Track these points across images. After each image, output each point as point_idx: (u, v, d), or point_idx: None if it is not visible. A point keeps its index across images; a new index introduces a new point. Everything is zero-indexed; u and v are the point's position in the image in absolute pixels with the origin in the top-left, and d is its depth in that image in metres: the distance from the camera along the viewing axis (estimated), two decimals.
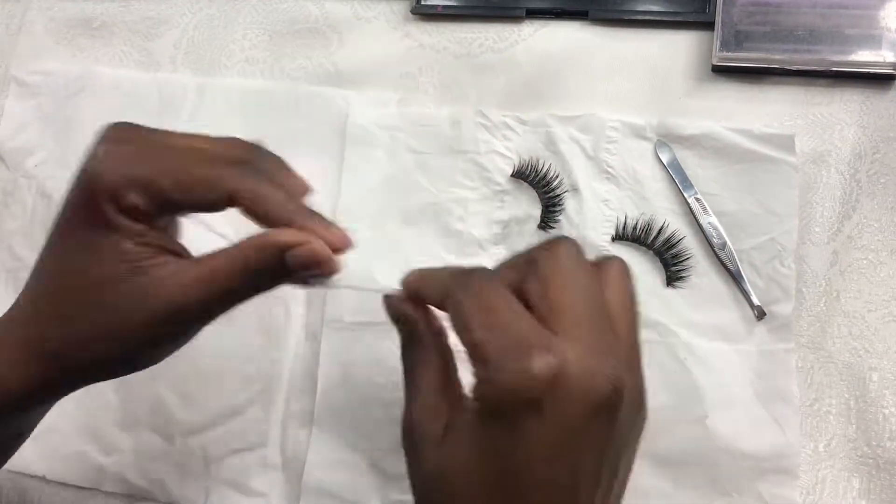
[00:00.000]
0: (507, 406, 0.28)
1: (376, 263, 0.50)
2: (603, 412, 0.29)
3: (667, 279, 0.47)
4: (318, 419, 0.48)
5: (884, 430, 0.44)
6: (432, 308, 0.35)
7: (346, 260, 0.35)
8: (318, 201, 0.52)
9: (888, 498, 0.43)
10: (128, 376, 0.50)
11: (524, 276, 0.31)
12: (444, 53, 0.55)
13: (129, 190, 0.33)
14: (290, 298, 0.51)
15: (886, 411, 0.45)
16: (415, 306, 0.35)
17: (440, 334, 0.35)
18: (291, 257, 0.34)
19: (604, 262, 0.32)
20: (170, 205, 0.33)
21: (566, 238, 0.32)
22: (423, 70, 0.54)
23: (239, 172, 0.34)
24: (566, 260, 0.31)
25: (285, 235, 0.34)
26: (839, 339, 0.46)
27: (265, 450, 0.49)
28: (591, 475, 0.30)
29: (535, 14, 0.54)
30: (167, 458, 0.49)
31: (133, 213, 0.33)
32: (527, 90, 0.53)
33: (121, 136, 0.34)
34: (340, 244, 0.35)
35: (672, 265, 0.47)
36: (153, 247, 0.34)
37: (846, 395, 0.45)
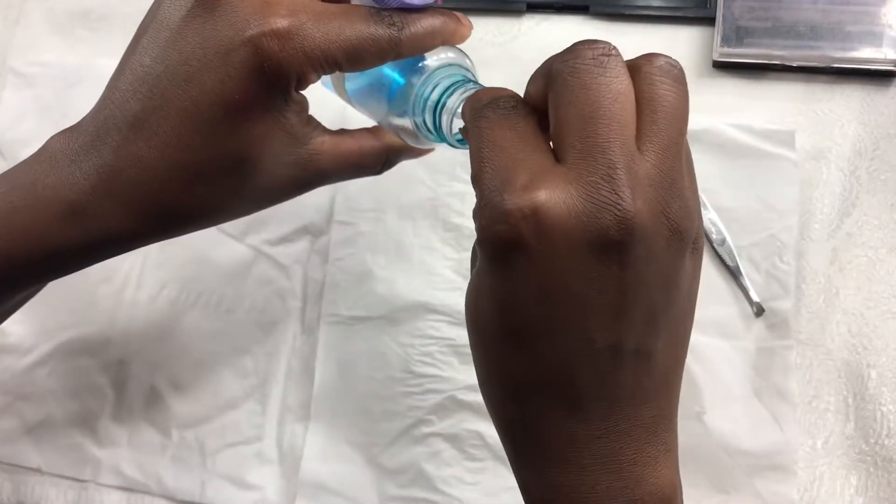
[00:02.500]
0: (495, 247, 0.27)
1: (374, 257, 0.50)
2: (607, 251, 0.26)
3: None
4: (315, 413, 0.48)
5: (882, 427, 0.44)
6: None
7: None
8: (316, 195, 0.52)
9: (885, 495, 0.43)
10: (124, 368, 0.50)
11: (543, 91, 0.28)
12: None
13: (313, 68, 0.32)
14: (287, 292, 0.51)
15: (885, 408, 0.44)
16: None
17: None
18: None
19: (642, 62, 0.29)
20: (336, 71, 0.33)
21: (589, 41, 0.28)
22: None
23: (404, 26, 0.33)
24: (582, 69, 0.27)
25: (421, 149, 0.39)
26: (838, 336, 0.46)
27: (261, 443, 0.49)
28: (599, 315, 0.27)
29: (535, 8, 0.54)
30: (163, 451, 0.49)
31: (305, 86, 0.33)
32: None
33: (273, 11, 0.32)
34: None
35: None
36: (306, 115, 0.35)
37: (844, 393, 0.45)
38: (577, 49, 0.28)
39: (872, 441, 0.44)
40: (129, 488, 0.49)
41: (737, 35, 0.50)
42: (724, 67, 0.51)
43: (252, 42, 0.31)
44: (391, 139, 0.38)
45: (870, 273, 0.47)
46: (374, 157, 0.38)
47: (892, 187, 0.48)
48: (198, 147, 0.33)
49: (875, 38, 0.49)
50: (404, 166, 0.51)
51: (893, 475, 0.44)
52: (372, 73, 0.35)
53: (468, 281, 0.30)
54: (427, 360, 0.48)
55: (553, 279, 0.26)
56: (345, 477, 0.47)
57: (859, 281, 0.47)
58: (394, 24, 0.33)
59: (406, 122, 0.35)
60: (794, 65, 0.49)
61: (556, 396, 0.28)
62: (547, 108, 0.28)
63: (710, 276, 0.47)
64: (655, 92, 0.28)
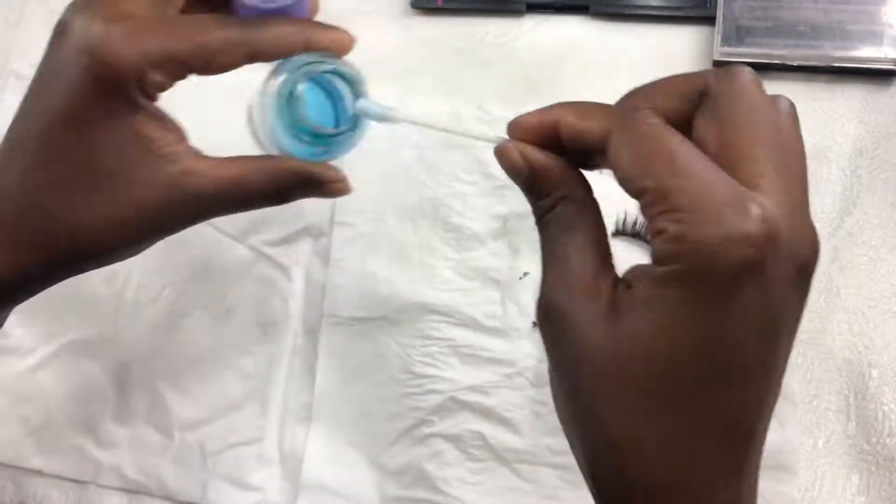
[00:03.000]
0: (718, 269, 0.24)
1: (375, 258, 0.50)
2: (805, 276, 0.26)
3: None
4: (317, 414, 0.48)
5: (883, 426, 0.44)
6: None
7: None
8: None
9: (887, 494, 0.43)
10: (125, 370, 0.50)
11: (690, 108, 0.27)
12: (444, 48, 0.54)
13: (153, 68, 0.31)
14: (288, 293, 0.51)
15: (886, 408, 0.44)
16: (546, 153, 0.29)
17: (588, 189, 0.30)
18: (326, 190, 0.35)
19: (774, 100, 0.27)
20: (184, 75, 0.32)
21: (746, 68, 0.27)
22: (423, 64, 0.54)
23: (257, 27, 0.33)
24: (754, 96, 0.26)
25: (327, 173, 0.35)
26: (839, 336, 0.46)
27: (262, 444, 0.49)
28: (788, 347, 0.27)
29: (535, 8, 0.54)
30: (164, 452, 0.49)
31: (152, 91, 0.32)
32: (527, 85, 0.53)
33: (110, 12, 0.32)
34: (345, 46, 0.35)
35: None
36: (175, 132, 0.34)
37: (846, 392, 0.45)
38: (738, 71, 0.27)
39: (874, 440, 0.44)
40: (130, 490, 0.49)
41: (737, 34, 0.50)
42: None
43: (87, 50, 0.31)
44: (285, 164, 0.35)
45: (871, 272, 0.47)
46: (262, 181, 0.34)
47: (892, 186, 0.48)
48: (52, 161, 0.32)
49: (875, 37, 0.48)
50: (405, 167, 0.51)
51: (895, 474, 0.44)
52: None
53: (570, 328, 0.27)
54: (428, 360, 0.48)
55: (777, 307, 0.25)
56: (346, 478, 0.47)
57: (860, 280, 0.47)
58: (246, 25, 0.33)
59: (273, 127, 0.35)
60: (795, 64, 0.49)
61: (739, 446, 0.26)
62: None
63: None
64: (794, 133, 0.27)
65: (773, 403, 0.27)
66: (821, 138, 0.49)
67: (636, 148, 0.26)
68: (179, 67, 0.32)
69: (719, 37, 0.50)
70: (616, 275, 0.28)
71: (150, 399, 0.50)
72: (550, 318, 0.28)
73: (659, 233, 0.25)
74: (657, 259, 0.25)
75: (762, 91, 0.27)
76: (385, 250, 0.50)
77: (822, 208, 0.48)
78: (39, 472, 0.50)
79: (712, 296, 0.25)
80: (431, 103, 0.53)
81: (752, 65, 0.49)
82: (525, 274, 0.48)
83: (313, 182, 0.35)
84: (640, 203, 0.26)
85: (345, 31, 0.35)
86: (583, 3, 0.53)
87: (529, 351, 0.47)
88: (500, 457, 0.46)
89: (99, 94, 0.31)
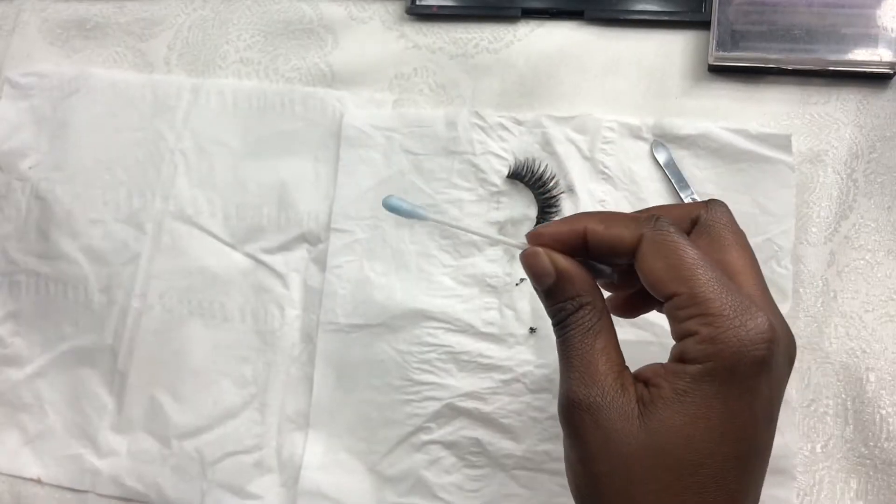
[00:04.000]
0: (742, 367, 0.29)
1: (372, 265, 0.50)
2: (790, 369, 0.32)
3: None
4: (314, 421, 0.48)
5: (881, 430, 0.44)
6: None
7: None
8: (313, 203, 0.52)
9: (885, 498, 0.43)
10: (123, 378, 0.50)
11: (687, 230, 0.33)
12: (440, 54, 0.54)
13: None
14: (285, 300, 0.51)
15: (883, 412, 0.44)
16: (576, 264, 0.33)
17: (602, 295, 0.33)
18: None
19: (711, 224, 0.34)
20: None
21: (722, 202, 0.34)
22: (419, 71, 0.54)
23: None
24: (735, 225, 0.33)
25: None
26: (836, 340, 0.46)
27: (261, 452, 0.49)
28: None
29: (530, 14, 0.54)
30: (163, 460, 0.49)
31: None
32: (522, 90, 0.53)
33: None
34: None
35: None
36: None
37: (843, 396, 0.45)
38: (721, 205, 0.34)
39: (872, 444, 0.44)
40: (129, 498, 0.49)
41: (732, 39, 0.50)
42: (719, 71, 0.51)
43: None
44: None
45: (867, 276, 0.47)
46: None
47: (888, 190, 0.48)
48: None
49: (870, 40, 0.48)
50: (401, 173, 0.51)
51: (893, 478, 0.44)
52: None
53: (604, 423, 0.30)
54: (425, 367, 0.48)
55: (777, 397, 0.31)
56: (344, 485, 0.47)
57: (857, 284, 0.47)
58: None
59: None
60: (790, 68, 0.49)
61: None
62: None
63: None
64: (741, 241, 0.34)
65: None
66: (817, 142, 0.49)
67: (667, 259, 0.31)
68: None
69: (714, 41, 0.50)
70: (622, 363, 0.32)
71: (148, 407, 0.50)
72: (577, 414, 0.31)
73: (690, 334, 0.30)
74: (690, 358, 0.29)
75: (735, 222, 0.34)
76: (382, 257, 0.50)
77: (819, 212, 0.48)
78: (38, 481, 0.50)
79: (738, 389, 0.29)
80: (427, 109, 0.53)
81: (748, 69, 0.50)
82: (521, 280, 0.48)
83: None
84: (666, 304, 0.31)
85: None
86: (577, 9, 0.53)
87: (527, 357, 0.47)
88: (498, 463, 0.46)
89: None
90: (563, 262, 0.33)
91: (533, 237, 0.34)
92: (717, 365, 0.29)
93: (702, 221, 0.34)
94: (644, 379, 0.31)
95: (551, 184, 0.49)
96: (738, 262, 0.32)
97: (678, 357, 0.30)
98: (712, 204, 0.34)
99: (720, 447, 0.29)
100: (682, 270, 0.30)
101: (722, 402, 0.29)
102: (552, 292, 0.33)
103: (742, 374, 0.29)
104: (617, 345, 0.33)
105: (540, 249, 0.33)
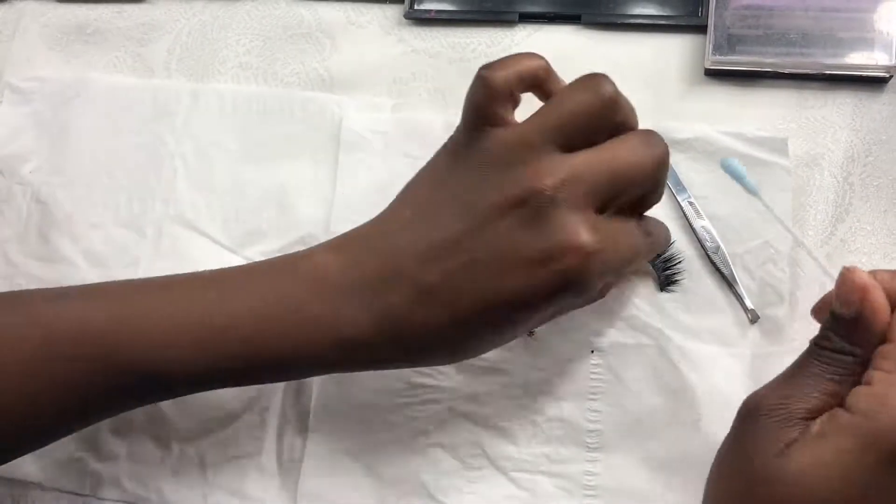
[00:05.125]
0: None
1: None
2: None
3: (660, 284, 0.47)
4: (314, 425, 0.48)
5: None
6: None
7: None
8: (312, 206, 0.52)
9: None
10: None
11: None
12: (438, 58, 0.55)
13: (602, 284, 0.39)
14: None
15: None
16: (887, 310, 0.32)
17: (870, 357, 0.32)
18: None
19: None
20: None
21: None
22: (417, 75, 0.54)
23: None
24: None
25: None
26: None
27: (261, 456, 0.49)
28: None
29: (528, 18, 0.54)
30: (164, 464, 0.49)
31: None
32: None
33: None
34: None
35: (665, 270, 0.47)
36: None
37: None
38: None
39: None
40: (130, 502, 0.49)
41: (728, 43, 0.50)
42: (715, 75, 0.51)
43: (567, 268, 0.34)
44: None
45: None
46: None
47: (885, 193, 0.48)
48: (476, 322, 0.37)
49: (866, 44, 0.49)
50: (400, 174, 0.51)
51: None
52: None
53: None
54: (424, 370, 0.48)
55: None
56: (344, 488, 0.47)
57: None
58: (649, 234, 0.40)
59: None
60: (786, 72, 0.50)
61: None
62: None
63: (704, 284, 0.47)
64: None
65: None
66: (813, 145, 0.49)
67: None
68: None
69: (711, 45, 0.50)
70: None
71: (149, 411, 0.50)
72: (752, 417, 0.33)
73: (868, 382, 0.30)
74: (851, 404, 0.30)
75: None
76: None
77: (815, 216, 0.48)
78: (39, 486, 0.50)
79: (881, 469, 0.28)
80: (425, 113, 0.53)
81: (744, 73, 0.50)
82: None
83: None
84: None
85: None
86: (575, 13, 0.53)
87: (526, 360, 0.47)
88: (497, 466, 0.46)
89: (555, 297, 0.36)
90: (881, 301, 0.32)
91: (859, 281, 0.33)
92: (877, 426, 0.28)
93: None
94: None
95: None
96: None
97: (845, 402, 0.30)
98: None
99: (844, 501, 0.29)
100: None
101: (868, 477, 0.28)
102: (841, 324, 0.33)
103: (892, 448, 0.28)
104: (839, 394, 0.32)
105: (870, 278, 0.32)
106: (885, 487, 0.28)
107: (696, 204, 0.48)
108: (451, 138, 0.40)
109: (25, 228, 0.55)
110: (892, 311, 0.32)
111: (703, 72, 0.51)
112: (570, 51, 0.53)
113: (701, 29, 0.51)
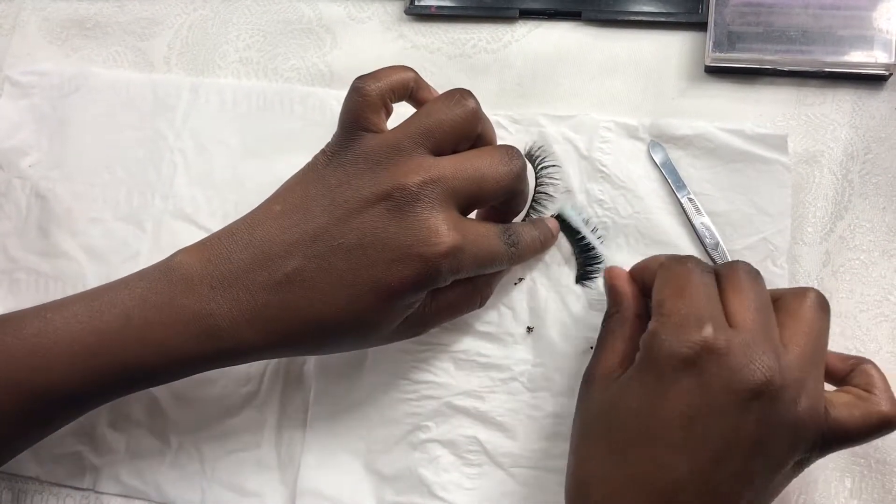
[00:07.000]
0: (663, 359, 0.35)
1: None
2: (753, 401, 0.34)
3: (576, 277, 0.48)
4: (312, 420, 0.48)
5: None
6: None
7: None
8: None
9: (879, 497, 0.44)
10: None
11: (720, 276, 0.38)
12: (438, 54, 0.55)
13: (454, 279, 0.42)
14: None
15: None
16: (629, 284, 0.42)
17: (641, 315, 0.41)
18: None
19: (789, 293, 0.39)
20: None
21: (755, 270, 0.39)
22: (417, 70, 0.54)
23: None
24: (751, 280, 0.38)
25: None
26: (831, 339, 0.46)
27: (260, 450, 0.49)
28: (727, 458, 0.34)
29: (528, 14, 0.54)
30: (162, 458, 0.49)
31: None
32: (520, 90, 0.53)
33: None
34: None
35: (585, 265, 0.48)
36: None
37: None
38: (742, 264, 0.39)
39: (866, 444, 0.44)
40: (129, 496, 0.49)
41: (728, 40, 0.50)
42: (715, 72, 0.51)
43: (423, 258, 0.38)
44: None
45: (862, 276, 0.47)
46: None
47: (883, 190, 0.48)
48: (342, 309, 0.39)
49: (866, 42, 0.49)
50: None
51: (888, 477, 0.44)
52: None
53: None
54: (423, 366, 0.48)
55: (705, 406, 0.34)
56: (343, 483, 0.47)
57: (852, 284, 0.47)
58: (513, 244, 0.43)
59: None
60: (786, 69, 0.50)
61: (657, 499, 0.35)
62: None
63: None
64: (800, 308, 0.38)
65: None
66: (812, 143, 0.49)
67: (668, 274, 0.39)
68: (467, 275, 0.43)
69: (711, 42, 0.50)
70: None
71: (148, 405, 0.50)
72: (585, 382, 0.41)
73: (648, 329, 0.37)
74: (640, 345, 0.37)
75: (760, 284, 0.38)
76: None
77: (815, 213, 0.48)
78: (37, 480, 0.50)
79: (651, 376, 0.36)
80: None
81: (744, 70, 0.50)
82: (520, 279, 0.48)
83: None
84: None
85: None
86: (575, 10, 0.53)
87: (524, 356, 0.47)
88: (496, 461, 0.47)
89: (416, 288, 0.40)
90: (621, 283, 0.43)
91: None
92: (647, 355, 0.36)
93: (731, 276, 0.38)
94: None
95: (548, 180, 0.49)
96: (738, 304, 0.37)
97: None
98: (732, 266, 0.39)
99: (634, 426, 0.36)
100: (665, 289, 0.38)
101: (642, 387, 0.36)
102: (608, 298, 0.44)
103: (662, 367, 0.35)
104: (634, 338, 0.40)
105: (619, 270, 0.43)
106: (660, 394, 0.35)
107: (695, 200, 0.48)
108: (328, 143, 0.42)
109: (25, 222, 0.55)
110: (634, 282, 0.42)
111: (703, 69, 0.51)
112: (570, 47, 0.53)
113: (701, 26, 0.51)
